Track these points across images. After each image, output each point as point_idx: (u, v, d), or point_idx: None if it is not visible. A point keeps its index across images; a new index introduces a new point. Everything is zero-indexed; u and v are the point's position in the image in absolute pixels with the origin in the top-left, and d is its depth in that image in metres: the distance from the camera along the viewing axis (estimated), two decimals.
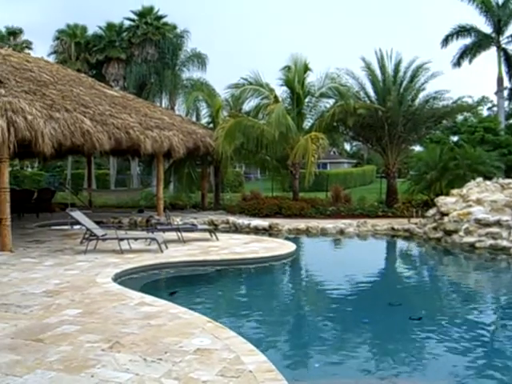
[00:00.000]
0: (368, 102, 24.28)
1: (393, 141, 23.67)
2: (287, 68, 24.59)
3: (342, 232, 18.82)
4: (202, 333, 6.80)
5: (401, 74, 24.11)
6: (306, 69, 24.37)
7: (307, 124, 24.89)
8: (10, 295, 8.88)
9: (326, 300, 10.78)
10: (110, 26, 46.41)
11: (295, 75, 23.99)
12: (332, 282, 12.07)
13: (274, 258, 13.40)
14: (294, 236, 18.34)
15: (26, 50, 45.87)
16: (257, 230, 19.14)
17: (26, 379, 5.30)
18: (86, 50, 46.49)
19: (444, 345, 7.62)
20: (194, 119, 28.37)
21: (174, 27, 45.07)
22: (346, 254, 16.87)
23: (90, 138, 15.47)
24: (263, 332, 8.36)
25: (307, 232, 18.92)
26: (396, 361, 7.06)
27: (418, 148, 30.49)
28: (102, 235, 13.74)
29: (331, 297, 10.96)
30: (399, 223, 19.15)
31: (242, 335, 6.78)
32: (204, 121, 28.47)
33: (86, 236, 13.87)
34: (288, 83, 24.38)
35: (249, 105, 26.08)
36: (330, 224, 19.25)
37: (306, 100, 24.67)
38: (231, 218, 20.57)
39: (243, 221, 20.10)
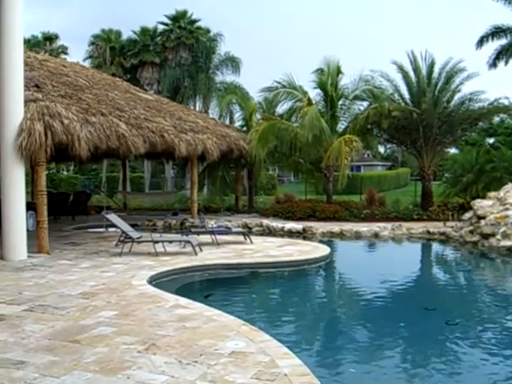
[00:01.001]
0: (402, 104, 24.07)
1: (428, 143, 23.43)
2: (320, 70, 24.53)
3: (376, 235, 18.68)
4: (237, 336, 6.79)
5: (435, 75, 23.85)
6: (339, 71, 24.28)
7: (341, 126, 24.78)
8: (47, 297, 8.99)
9: (361, 303, 10.71)
10: (144, 31, 46.92)
11: (328, 78, 23.93)
12: (366, 286, 11.96)
13: (308, 261, 13.33)
14: (328, 239, 18.24)
15: (62, 55, 46.65)
16: (291, 233, 19.10)
17: (63, 380, 5.35)
18: (120, 55, 47.09)
19: (480, 351, 7.48)
20: (227, 122, 28.45)
21: (208, 31, 45.34)
22: (381, 258, 16.72)
23: (126, 142, 15.62)
24: (298, 335, 8.32)
25: (341, 235, 18.82)
26: (431, 366, 6.96)
27: (453, 150, 30.12)
28: (137, 238, 13.84)
29: (366, 300, 10.88)
30: (435, 226, 18.93)
31: (277, 338, 6.74)
32: (237, 124, 28.54)
33: (122, 238, 13.98)
34: (321, 86, 24.32)
35: (282, 108, 26.13)
36: (364, 227, 19.13)
37: (340, 102, 24.57)
38: (265, 221, 20.57)
39: (277, 224, 20.08)
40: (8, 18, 12.78)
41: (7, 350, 6.27)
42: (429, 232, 18.47)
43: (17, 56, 12.97)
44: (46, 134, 13.02)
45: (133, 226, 15.60)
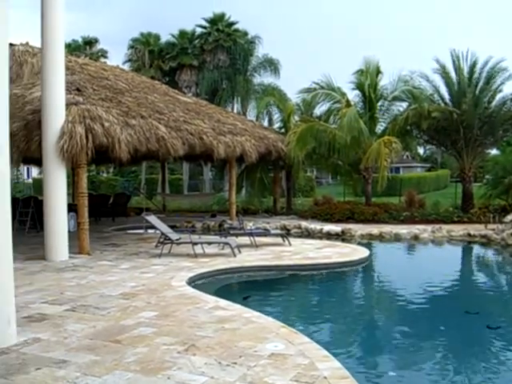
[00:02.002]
0: (442, 104, 23.75)
1: (468, 144, 23.06)
2: (360, 72, 24.37)
3: (416, 238, 18.48)
4: (276, 338, 6.78)
5: (476, 75, 23.43)
6: (379, 72, 24.09)
7: (380, 128, 24.57)
8: (89, 297, 9.11)
9: (400, 307, 10.58)
10: (182, 34, 47.30)
11: (367, 79, 23.76)
12: (406, 289, 11.83)
13: (348, 263, 13.25)
14: (367, 241, 18.11)
15: (102, 59, 47.35)
16: (329, 235, 19.01)
17: (105, 380, 5.41)
18: (159, 58, 47.55)
19: None
20: (265, 124, 28.47)
21: (245, 33, 45.46)
22: (421, 260, 16.52)
23: (165, 144, 15.77)
24: (337, 338, 8.28)
25: (380, 237, 18.67)
26: (471, 371, 6.85)
27: (494, 151, 29.58)
28: (177, 239, 13.94)
29: (405, 303, 10.75)
30: (475, 229, 18.64)
31: (316, 341, 6.72)
32: (276, 126, 28.52)
33: (161, 240, 14.10)
34: (360, 87, 24.17)
35: (320, 109, 26.04)
36: (403, 229, 18.95)
37: (379, 104, 24.38)
38: (303, 223, 20.51)
39: (315, 226, 20.01)
40: (50, 24, 13.02)
41: (50, 349, 6.38)
42: (469, 234, 18.19)
43: (59, 60, 13.20)
44: (86, 137, 13.22)
45: (172, 227, 15.71)
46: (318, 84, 24.97)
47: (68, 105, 13.69)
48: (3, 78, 6.71)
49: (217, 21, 45.41)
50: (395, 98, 24.27)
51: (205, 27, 46.16)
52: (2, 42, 6.74)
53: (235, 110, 42.06)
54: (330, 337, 8.22)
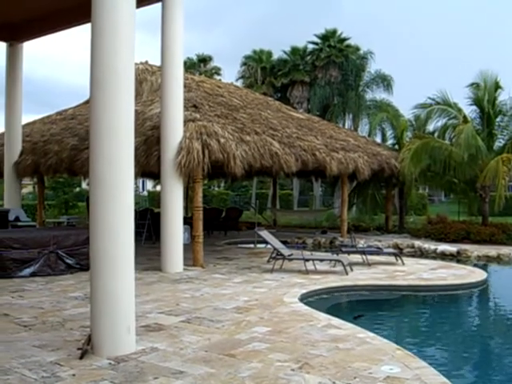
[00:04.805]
0: None
1: None
2: (475, 85, 23.58)
3: None
4: (392, 360, 6.60)
5: None
6: (497, 86, 23.16)
7: (498, 145, 23.57)
8: (203, 309, 9.29)
9: None
10: (294, 50, 47.63)
11: (485, 93, 22.90)
12: None
13: (464, 285, 12.72)
14: (484, 263, 17.35)
15: (215, 76, 48.51)
16: (444, 256, 18.40)
17: None
18: (271, 74, 48.13)
19: None
20: (378, 140, 28.07)
21: (357, 49, 45.13)
22: None
23: (278, 160, 15.89)
24: (454, 364, 7.94)
25: (498, 259, 17.85)
26: None
27: None
28: (289, 255, 13.97)
29: None
30: None
31: (431, 365, 6.49)
32: (388, 142, 28.08)
33: (273, 255, 14.16)
34: (477, 102, 23.32)
35: (432, 125, 25.41)
36: None
37: (497, 119, 23.44)
38: (416, 242, 19.99)
39: (429, 245, 19.45)
40: (170, 43, 13.53)
41: (167, 359, 6.53)
42: None
43: (178, 78, 13.66)
44: (203, 153, 13.56)
45: (283, 243, 15.77)
46: (433, 99, 24.37)
47: (186, 121, 14.12)
48: (129, 102, 7.08)
49: (329, 37, 45.39)
50: None
51: (316, 43, 46.27)
52: (129, 62, 7.07)
53: (346, 126, 41.76)
54: (446, 362, 7.89)
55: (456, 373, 7.23)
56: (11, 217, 17.28)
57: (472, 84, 23.66)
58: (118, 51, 6.83)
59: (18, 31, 17.94)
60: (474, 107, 23.70)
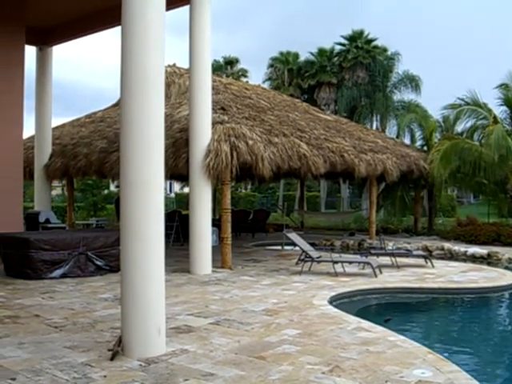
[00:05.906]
0: None
1: None
2: (504, 86, 23.30)
3: None
4: (423, 364, 6.52)
5: None
6: None
7: None
8: (232, 311, 9.28)
9: None
10: (321, 52, 47.54)
11: None
12: None
13: (496, 288, 12.51)
14: None
15: (242, 78, 48.55)
16: (474, 258, 18.18)
17: None
18: (298, 76, 48.12)
19: None
20: (406, 141, 27.85)
21: (385, 49, 44.88)
22: None
23: (307, 162, 15.84)
24: (485, 368, 7.81)
25: None
26: None
27: None
28: (317, 257, 13.90)
29: None
30: None
31: (464, 369, 6.39)
32: (417, 143, 27.84)
33: (302, 257, 14.11)
34: (507, 102, 23.08)
35: (461, 126, 25.19)
36: None
37: None
38: (446, 245, 19.78)
39: (459, 248, 19.24)
40: (198, 46, 13.57)
41: (197, 361, 6.53)
42: None
43: (206, 80, 13.71)
44: (231, 155, 13.57)
45: (311, 245, 15.71)
46: (463, 100, 24.14)
47: (214, 123, 14.15)
48: (160, 106, 7.12)
49: (356, 38, 45.23)
50: None
51: (343, 44, 46.14)
52: (159, 65, 7.10)
53: (373, 127, 41.50)
54: (478, 366, 7.77)
55: (488, 377, 7.13)
56: (41, 219, 17.51)
57: (501, 85, 23.42)
58: (149, 54, 6.84)
59: (47, 35, 18.20)
60: (504, 108, 23.44)
